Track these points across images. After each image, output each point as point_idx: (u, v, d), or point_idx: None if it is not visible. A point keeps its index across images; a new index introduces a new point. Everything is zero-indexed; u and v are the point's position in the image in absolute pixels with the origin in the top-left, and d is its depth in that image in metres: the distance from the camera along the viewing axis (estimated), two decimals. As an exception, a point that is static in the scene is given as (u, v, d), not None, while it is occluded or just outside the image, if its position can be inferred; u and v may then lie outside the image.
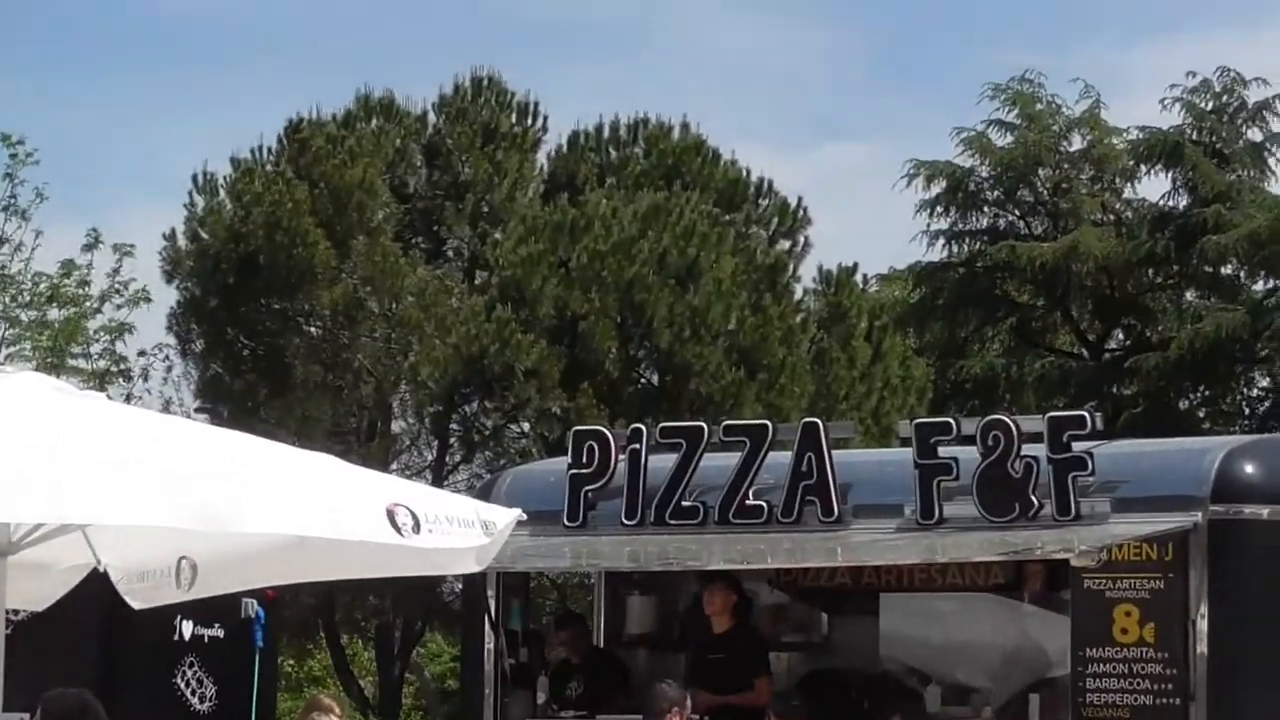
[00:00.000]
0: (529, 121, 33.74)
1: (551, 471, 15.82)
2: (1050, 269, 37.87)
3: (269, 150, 31.64)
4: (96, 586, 8.93)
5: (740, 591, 14.64)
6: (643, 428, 15.30)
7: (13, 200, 33.79)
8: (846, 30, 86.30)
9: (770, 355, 28.34)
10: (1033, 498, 12.58)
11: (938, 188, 38.80)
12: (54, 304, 34.02)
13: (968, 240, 40.42)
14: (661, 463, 14.41)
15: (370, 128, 31.73)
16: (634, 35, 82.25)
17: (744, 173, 33.35)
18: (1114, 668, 12.49)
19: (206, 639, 14.99)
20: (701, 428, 15.31)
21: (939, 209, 39.14)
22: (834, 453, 13.99)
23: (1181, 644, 12.23)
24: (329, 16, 78.12)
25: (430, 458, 33.02)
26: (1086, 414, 14.40)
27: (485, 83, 33.36)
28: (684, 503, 14.22)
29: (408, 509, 8.11)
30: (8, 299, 33.87)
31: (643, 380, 30.33)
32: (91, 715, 8.67)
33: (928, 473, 13.32)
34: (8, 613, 9.34)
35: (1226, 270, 38.68)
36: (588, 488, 14.58)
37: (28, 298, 34.01)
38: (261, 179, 30.41)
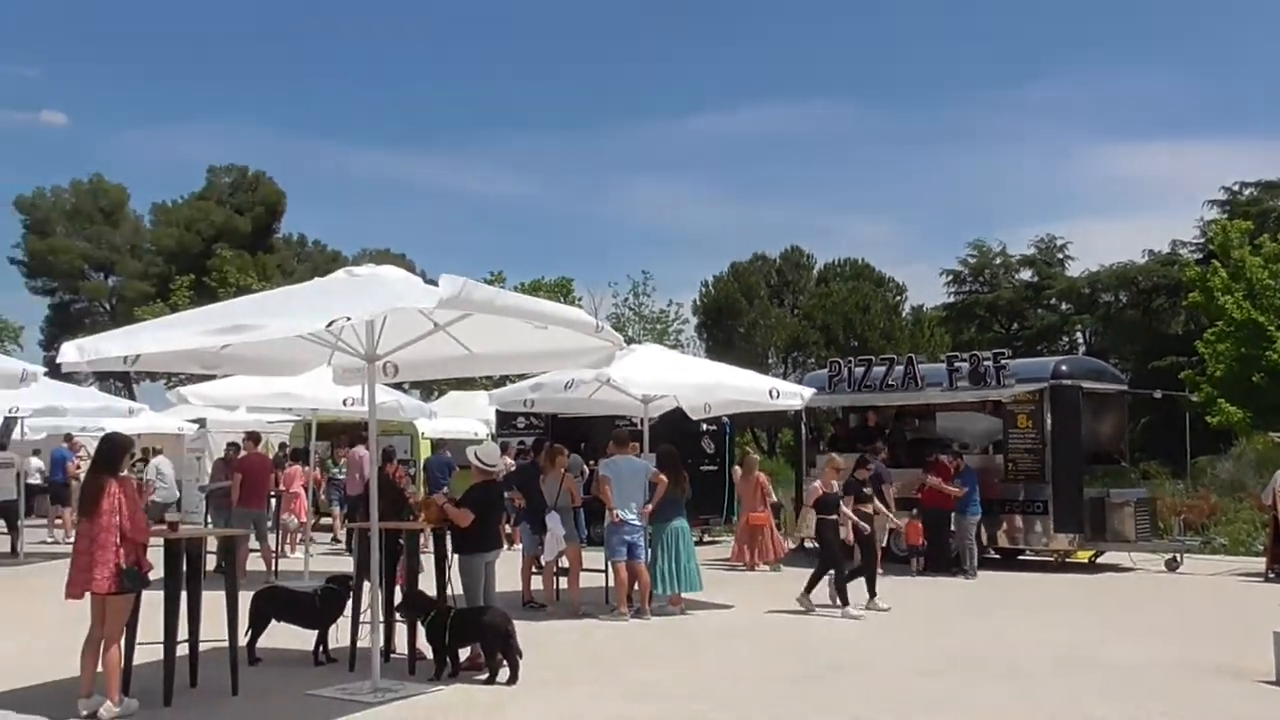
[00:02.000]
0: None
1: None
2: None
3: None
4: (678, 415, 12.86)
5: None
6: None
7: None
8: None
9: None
10: (987, 379, 15.82)
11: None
12: (656, 324, 39.96)
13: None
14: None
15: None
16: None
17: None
18: (1019, 438, 15.59)
19: (706, 428, 18.44)
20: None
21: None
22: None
23: (1041, 429, 15.32)
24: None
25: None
26: (1008, 350, 17.77)
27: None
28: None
29: (776, 389, 12.86)
30: (644, 324, 39.66)
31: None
32: (677, 458, 11.70)
33: (951, 369, 16.43)
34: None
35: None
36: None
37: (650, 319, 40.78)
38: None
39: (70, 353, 6.51)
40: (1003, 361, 16.20)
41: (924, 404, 17.22)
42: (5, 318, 47.71)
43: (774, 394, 12.40)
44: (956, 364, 16.57)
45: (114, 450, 6.94)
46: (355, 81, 76.23)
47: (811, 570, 11.93)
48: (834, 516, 11.65)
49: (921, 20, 73.64)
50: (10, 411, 16.13)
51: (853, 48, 76.93)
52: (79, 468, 18.59)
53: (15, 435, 18.03)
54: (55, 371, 16.31)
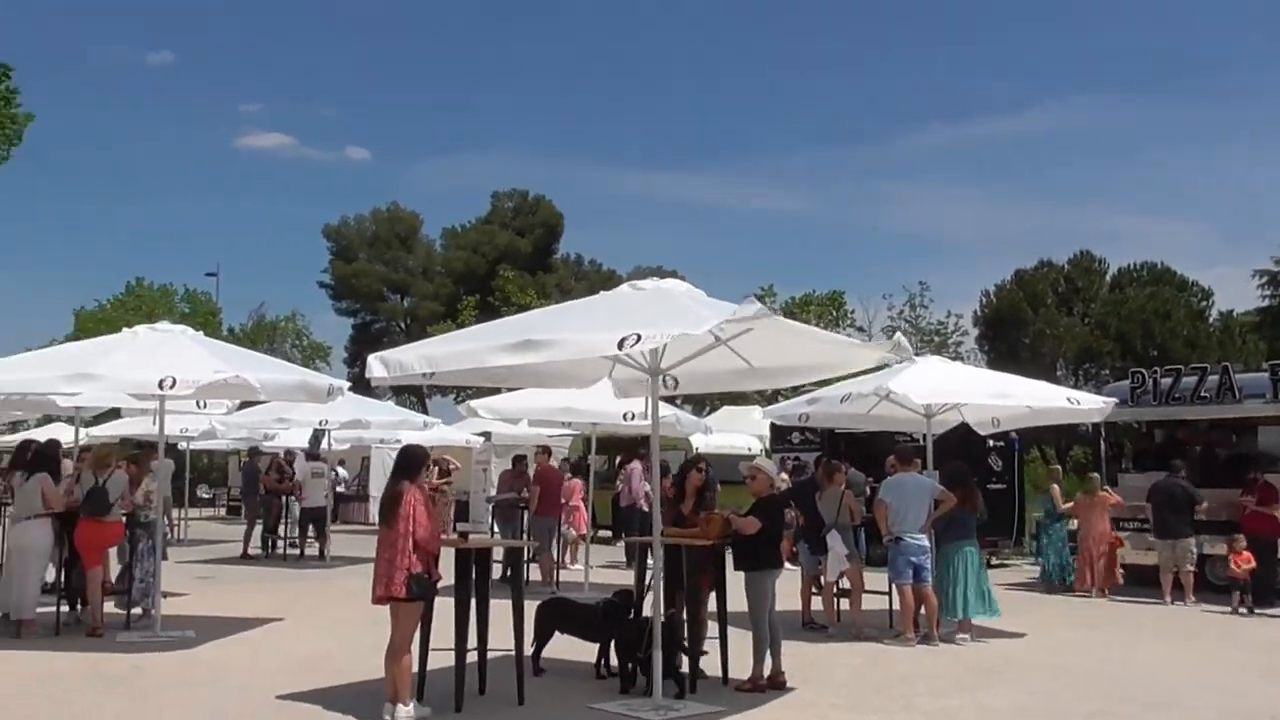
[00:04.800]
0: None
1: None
2: None
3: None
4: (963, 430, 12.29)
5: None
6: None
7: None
8: None
9: None
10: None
11: None
12: (934, 336, 36.46)
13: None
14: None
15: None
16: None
17: None
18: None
19: (993, 444, 17.49)
20: None
21: None
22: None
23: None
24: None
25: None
26: None
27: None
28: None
29: (1075, 397, 12.30)
30: (920, 337, 35.74)
31: None
32: (968, 476, 11.12)
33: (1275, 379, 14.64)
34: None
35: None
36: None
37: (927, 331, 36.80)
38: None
39: (376, 367, 6.89)
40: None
41: (1242, 418, 15.75)
42: (317, 338, 51.46)
43: (1073, 401, 11.69)
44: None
45: (412, 461, 7.10)
46: (625, 106, 78.36)
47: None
48: None
49: (1221, 5, 68.18)
50: (320, 424, 17.30)
51: (1145, 37, 72.23)
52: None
53: (323, 446, 19.32)
54: (358, 387, 17.51)
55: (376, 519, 7.44)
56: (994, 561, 18.43)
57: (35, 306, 74.49)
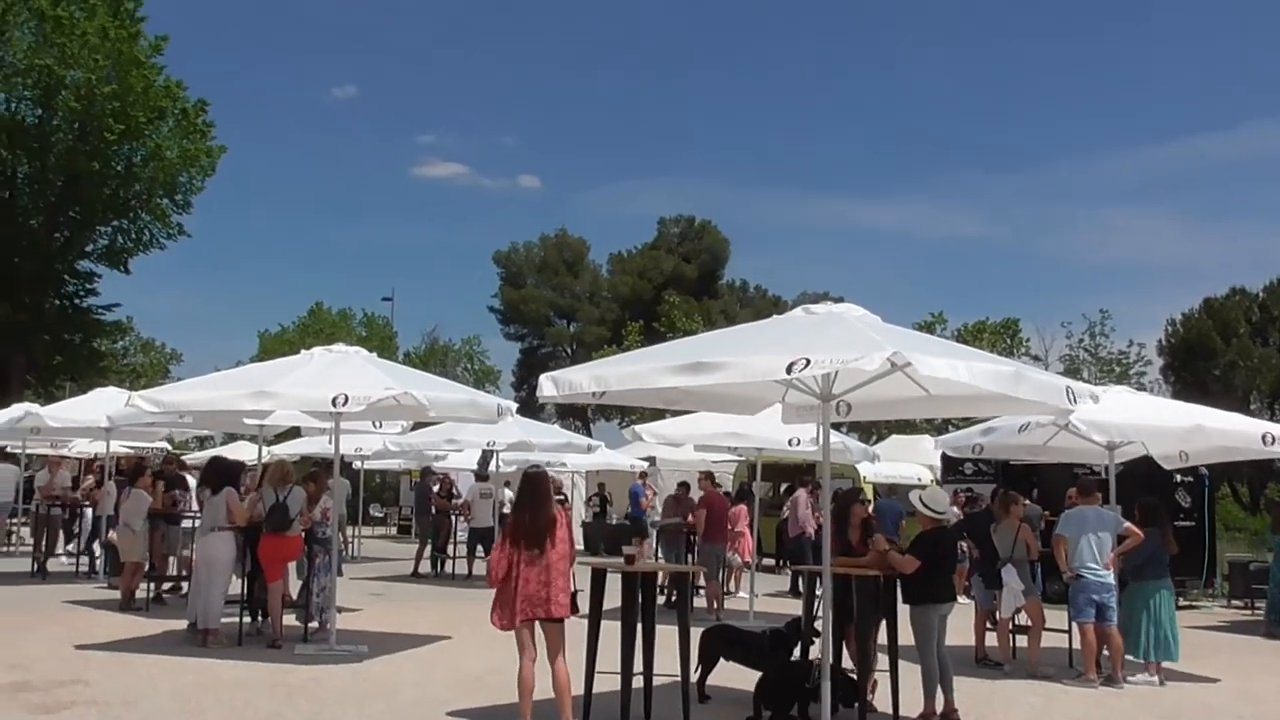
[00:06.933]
0: None
1: None
2: None
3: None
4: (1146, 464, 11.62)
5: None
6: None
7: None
8: None
9: None
10: None
11: None
12: (1115, 366, 35.18)
13: None
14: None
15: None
16: None
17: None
18: None
19: (1181, 480, 16.45)
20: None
21: None
22: None
23: None
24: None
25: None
26: None
27: None
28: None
29: (1271, 434, 10.87)
30: (1100, 367, 35.38)
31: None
32: (1160, 509, 10.71)
33: None
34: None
35: None
36: None
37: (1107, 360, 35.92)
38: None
39: (546, 386, 7.00)
40: None
41: None
42: (487, 363, 53.01)
43: (1268, 440, 10.93)
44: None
45: (547, 485, 7.19)
46: (793, 131, 78.17)
47: None
48: None
49: None
50: (489, 445, 17.63)
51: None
52: (650, 502, 20.59)
53: (491, 468, 19.64)
54: (525, 410, 17.79)
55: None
56: (1181, 602, 17.56)
57: (224, 329, 78.89)
